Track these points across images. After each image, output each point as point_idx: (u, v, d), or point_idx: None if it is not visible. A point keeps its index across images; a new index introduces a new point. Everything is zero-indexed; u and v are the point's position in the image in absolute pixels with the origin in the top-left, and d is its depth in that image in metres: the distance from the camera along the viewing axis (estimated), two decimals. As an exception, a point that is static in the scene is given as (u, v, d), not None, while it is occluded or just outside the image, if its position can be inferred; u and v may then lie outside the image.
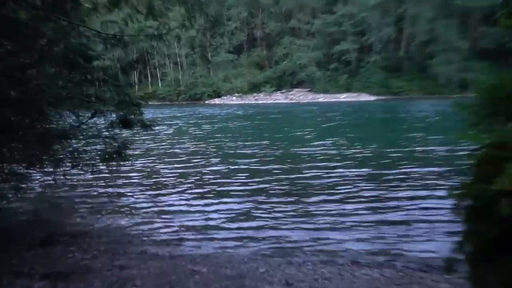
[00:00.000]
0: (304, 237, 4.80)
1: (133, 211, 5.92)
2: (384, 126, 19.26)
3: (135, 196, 6.79)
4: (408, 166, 8.48)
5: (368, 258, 4.16)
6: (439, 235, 4.63)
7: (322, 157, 9.88)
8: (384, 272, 3.73)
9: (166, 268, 3.74)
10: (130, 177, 8.15)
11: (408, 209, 5.71)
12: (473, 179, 1.91)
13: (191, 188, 7.23)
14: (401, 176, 7.65)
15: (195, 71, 43.91)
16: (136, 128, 4.80)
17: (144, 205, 6.24)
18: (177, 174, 8.46)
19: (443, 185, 6.73)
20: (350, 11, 42.09)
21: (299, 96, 41.30)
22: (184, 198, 6.65)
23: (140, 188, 7.39)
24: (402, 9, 41.42)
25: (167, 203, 6.38)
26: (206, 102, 42.49)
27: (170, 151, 11.96)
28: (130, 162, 7.60)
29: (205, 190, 7.00)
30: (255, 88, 42.80)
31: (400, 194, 6.46)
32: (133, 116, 4.62)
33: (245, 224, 5.32)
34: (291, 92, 41.93)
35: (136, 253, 4.27)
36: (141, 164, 9.61)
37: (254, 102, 41.28)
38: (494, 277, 1.70)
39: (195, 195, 6.72)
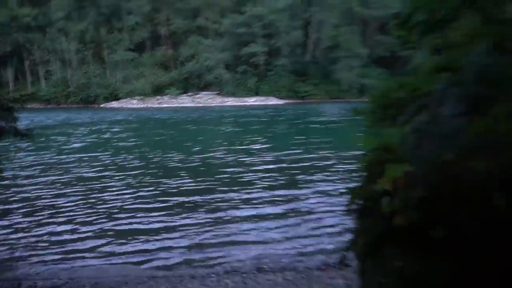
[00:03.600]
0: (209, 249, 4.51)
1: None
2: (291, 130, 17.97)
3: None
4: (309, 171, 8.36)
5: (272, 263, 4.12)
6: (334, 234, 4.68)
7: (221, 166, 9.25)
8: (286, 275, 3.78)
9: None
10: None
11: (306, 213, 5.64)
12: (362, 180, 1.98)
13: (75, 211, 6.01)
14: (300, 181, 7.59)
15: (87, 71, 35.59)
16: (8, 140, 4.01)
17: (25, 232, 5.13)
18: (56, 194, 6.92)
19: (338, 187, 6.62)
20: (259, 12, 38.30)
21: (207, 99, 36.09)
22: (71, 221, 5.58)
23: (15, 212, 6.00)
24: (309, 13, 38.70)
25: (48, 229, 5.25)
26: (102, 105, 34.83)
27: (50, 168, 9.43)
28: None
29: (93, 211, 5.91)
30: (158, 90, 36.28)
31: (300, 199, 6.40)
32: (4, 124, 3.75)
33: (143, 243, 4.73)
34: (198, 95, 36.50)
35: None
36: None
37: (157, 105, 35.04)
38: (375, 269, 1.80)
39: (83, 218, 5.66)
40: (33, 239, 4.85)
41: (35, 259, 4.27)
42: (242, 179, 7.84)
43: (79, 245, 4.66)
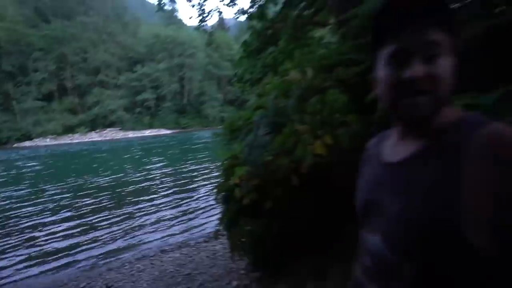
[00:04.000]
0: (122, 244, 5.11)
1: None
2: (180, 150, 21.04)
3: None
4: (195, 178, 10.37)
5: (172, 245, 4.84)
6: (211, 217, 6.04)
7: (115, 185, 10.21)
8: (182, 251, 4.50)
9: None
10: None
11: (193, 208, 7.04)
12: (223, 179, 2.70)
13: None
14: (188, 186, 9.27)
15: (-4, 118, 41.34)
16: None
17: None
18: None
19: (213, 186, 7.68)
20: (147, 71, 53.20)
21: (112, 134, 47.26)
22: None
23: None
24: (183, 72, 56.91)
25: None
26: (15, 145, 40.76)
27: None
28: None
29: (11, 231, 6.24)
30: (69, 129, 45.36)
31: (190, 199, 7.84)
32: None
33: (63, 249, 5.07)
34: (105, 131, 47.36)
35: None
36: None
37: (69, 141, 42.72)
38: (237, 233, 2.65)
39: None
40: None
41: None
42: (144, 189, 9.17)
43: (7, 257, 4.85)
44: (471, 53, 1.68)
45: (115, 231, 5.91)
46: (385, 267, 0.59)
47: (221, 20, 66.23)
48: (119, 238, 5.53)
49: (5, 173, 15.64)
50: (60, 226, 6.37)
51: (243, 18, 9.23)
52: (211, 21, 49.15)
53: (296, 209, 2.48)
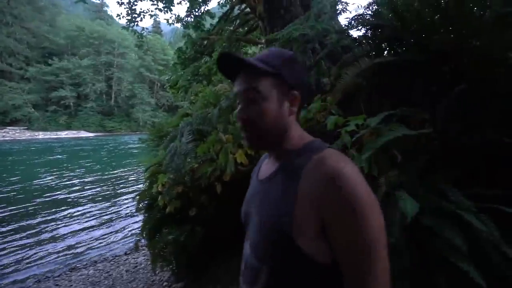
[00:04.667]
0: (20, 263, 4.39)
1: None
2: (103, 155, 19.34)
3: None
4: (116, 184, 9.86)
5: (84, 261, 4.31)
6: (133, 227, 5.64)
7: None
8: (98, 267, 4.03)
9: None
10: None
11: (106, 215, 6.62)
12: (146, 186, 2.64)
13: None
14: (108, 193, 8.65)
15: None
16: None
17: None
18: None
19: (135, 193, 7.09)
20: (66, 66, 46.63)
21: (15, 133, 39.74)
22: None
23: None
24: (111, 72, 51.87)
25: None
26: None
27: None
28: None
29: None
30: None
31: (107, 207, 7.26)
32: None
33: None
34: (4, 130, 39.56)
35: None
36: None
37: None
38: (159, 242, 2.47)
39: None
40: None
41: None
42: (59, 198, 8.17)
43: None
44: (364, 84, 2.04)
45: (12, 245, 5.05)
46: (251, 271, 0.66)
47: (156, 24, 63.25)
48: (16, 255, 4.68)
49: None
50: None
51: (178, 24, 9.04)
52: (145, 23, 46.39)
53: (221, 216, 2.52)
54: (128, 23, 8.31)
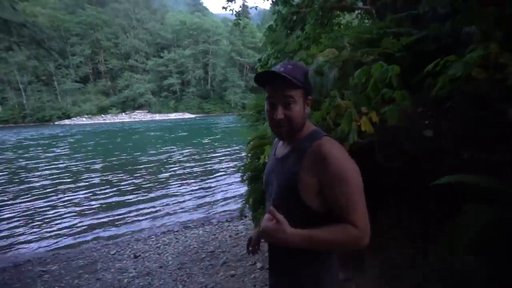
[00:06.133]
0: (147, 219, 5.16)
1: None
2: (205, 133, 21.63)
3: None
4: (218, 158, 10.78)
5: (195, 222, 4.80)
6: (236, 197, 5.94)
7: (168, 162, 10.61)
8: (205, 228, 4.43)
9: (8, 279, 3.18)
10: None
11: (216, 187, 7.02)
12: (249, 158, 2.62)
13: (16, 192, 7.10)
14: (212, 166, 9.42)
15: (41, 97, 43.46)
16: None
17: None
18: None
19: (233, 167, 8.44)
20: (173, 57, 53.42)
21: (140, 116, 48.54)
22: (14, 203, 6.30)
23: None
24: (207, 59, 56.67)
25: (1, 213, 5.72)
26: (57, 123, 42.94)
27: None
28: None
29: (57, 202, 6.40)
30: (102, 110, 46.98)
31: (211, 177, 7.92)
32: None
33: (91, 219, 5.22)
34: (134, 113, 48.69)
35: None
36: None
37: (102, 121, 44.73)
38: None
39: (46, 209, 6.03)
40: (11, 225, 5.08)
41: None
42: (174, 169, 9.27)
43: (45, 228, 4.95)
44: None
45: (143, 204, 6.01)
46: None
47: (245, 7, 64.64)
48: (146, 212, 5.60)
49: (58, 147, 16.64)
50: (98, 200, 6.56)
51: (266, 5, 8.77)
52: (236, 6, 48.04)
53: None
54: (227, 2, 8.65)
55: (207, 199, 6.22)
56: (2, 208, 6.17)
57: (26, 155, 14.07)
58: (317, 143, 0.86)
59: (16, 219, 5.50)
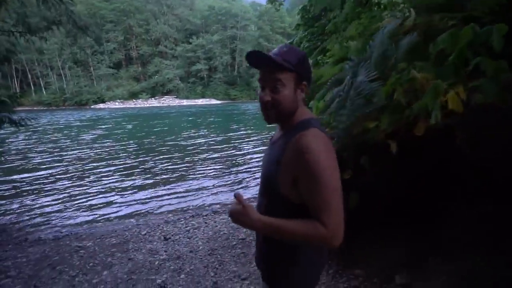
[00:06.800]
0: (177, 201, 5.23)
1: (8, 202, 5.37)
2: (230, 119, 22.14)
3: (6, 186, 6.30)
4: (244, 141, 11.21)
5: (224, 208, 4.72)
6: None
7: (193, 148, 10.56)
8: None
9: (49, 251, 3.34)
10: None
11: (244, 171, 7.04)
12: None
13: (67, 174, 7.27)
14: (239, 150, 9.56)
15: (79, 81, 46.08)
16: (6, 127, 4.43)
17: (24, 193, 5.84)
18: (59, 165, 8.33)
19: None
20: (201, 43, 53.60)
21: (169, 101, 49.85)
22: (61, 184, 6.47)
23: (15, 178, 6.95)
24: (234, 45, 56.21)
25: (45, 189, 6.06)
26: (92, 106, 45.47)
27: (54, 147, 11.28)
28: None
29: (92, 180, 6.71)
30: (133, 95, 48.82)
31: (240, 161, 8.17)
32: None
33: (124, 199, 5.41)
34: (163, 99, 50.10)
35: (14, 243, 3.71)
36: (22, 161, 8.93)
37: (133, 106, 46.31)
38: None
39: (73, 179, 6.71)
40: (40, 202, 5.30)
41: (39, 218, 4.60)
42: (201, 152, 9.57)
43: (82, 205, 5.12)
44: None
45: (172, 188, 6.03)
46: (259, 207, 0.98)
47: (274, -9, 62.51)
48: (175, 195, 5.61)
49: (99, 128, 17.95)
50: (131, 180, 6.72)
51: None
52: (265, -9, 46.64)
53: (382, 183, 1.96)
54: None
55: (237, 185, 6.08)
56: (45, 184, 6.51)
57: (71, 134, 15.39)
58: (300, 134, 0.83)
59: (56, 195, 5.77)
